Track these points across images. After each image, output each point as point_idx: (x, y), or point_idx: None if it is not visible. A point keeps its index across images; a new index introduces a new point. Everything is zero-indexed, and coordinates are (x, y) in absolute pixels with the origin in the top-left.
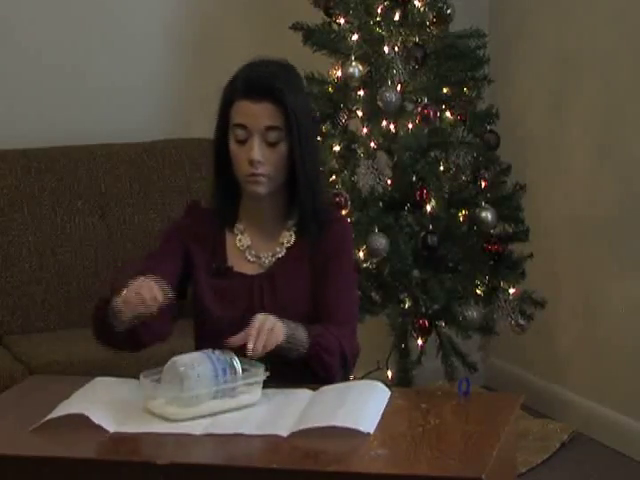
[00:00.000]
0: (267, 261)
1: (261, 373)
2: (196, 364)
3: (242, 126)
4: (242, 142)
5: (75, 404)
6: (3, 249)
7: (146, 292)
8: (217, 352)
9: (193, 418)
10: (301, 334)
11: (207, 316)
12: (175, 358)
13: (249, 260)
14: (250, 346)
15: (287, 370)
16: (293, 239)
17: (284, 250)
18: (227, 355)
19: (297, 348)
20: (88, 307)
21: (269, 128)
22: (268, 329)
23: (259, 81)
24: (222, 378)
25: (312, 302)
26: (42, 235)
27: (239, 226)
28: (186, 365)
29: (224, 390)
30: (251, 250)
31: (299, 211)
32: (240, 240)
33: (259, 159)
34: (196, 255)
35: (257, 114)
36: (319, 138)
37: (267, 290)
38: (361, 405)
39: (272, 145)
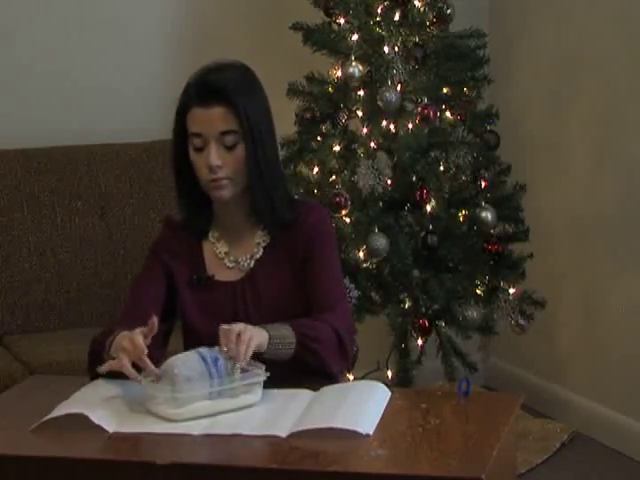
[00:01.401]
0: (246, 264)
1: (262, 373)
2: (189, 366)
3: (198, 134)
4: (200, 149)
5: (75, 404)
6: (3, 249)
7: (130, 351)
8: (214, 351)
9: (193, 418)
10: (285, 333)
11: (193, 331)
12: (170, 360)
13: (228, 266)
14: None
15: (280, 370)
16: (269, 238)
17: (261, 250)
18: (223, 355)
19: (285, 348)
20: (88, 307)
21: (224, 132)
22: (238, 335)
23: (209, 87)
24: (216, 380)
25: (296, 298)
26: (42, 235)
27: (213, 233)
28: (179, 367)
29: (219, 392)
30: (229, 256)
31: (258, 212)
32: (217, 247)
33: (217, 164)
34: (177, 271)
35: (210, 120)
36: (319, 138)
37: (250, 293)
38: (361, 406)
39: (230, 148)
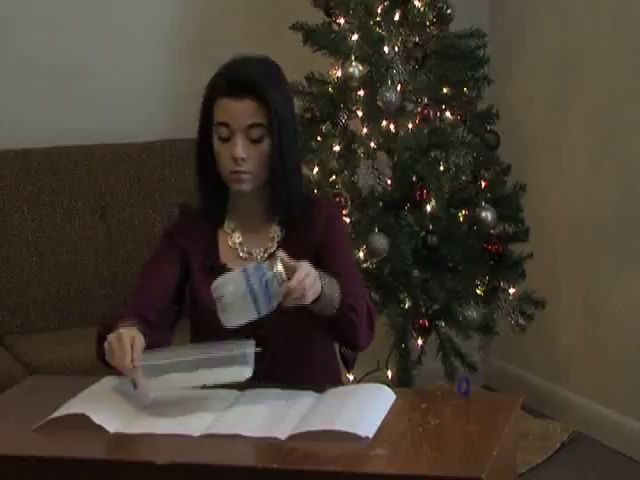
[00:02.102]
0: (259, 257)
1: (252, 346)
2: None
3: (225, 124)
4: (225, 140)
5: (78, 404)
6: (3, 249)
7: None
8: (261, 271)
9: (167, 389)
10: (333, 294)
11: (204, 312)
12: (218, 283)
13: (242, 257)
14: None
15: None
16: (283, 233)
17: (275, 245)
18: (272, 268)
19: (328, 307)
20: (88, 307)
21: (252, 126)
22: (309, 284)
23: (241, 78)
24: (260, 295)
25: None
26: (42, 235)
27: (229, 224)
28: (224, 294)
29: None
30: (243, 247)
31: (276, 207)
32: (231, 238)
33: (242, 156)
34: (192, 255)
35: (239, 112)
36: (319, 138)
37: None
38: (362, 409)
39: (255, 142)
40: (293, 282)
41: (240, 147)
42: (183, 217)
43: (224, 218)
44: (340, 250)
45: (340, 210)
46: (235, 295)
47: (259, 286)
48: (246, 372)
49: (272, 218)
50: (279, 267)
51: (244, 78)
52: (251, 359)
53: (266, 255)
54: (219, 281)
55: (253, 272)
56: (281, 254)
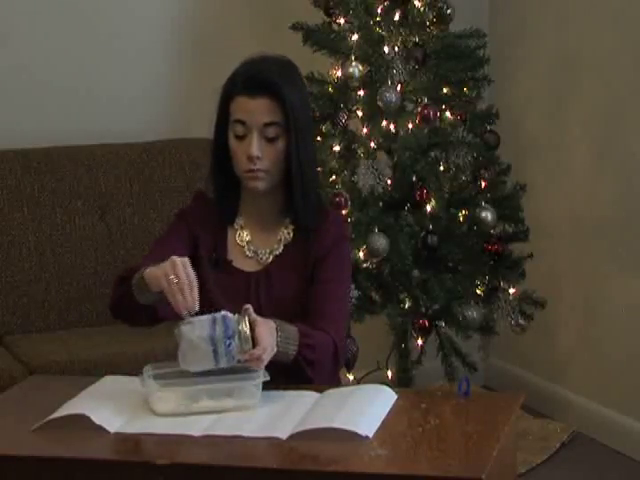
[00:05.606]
0: (264, 257)
1: (260, 375)
2: (199, 335)
3: (241, 122)
4: (241, 138)
5: (78, 404)
6: (3, 249)
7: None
8: (232, 327)
9: (173, 415)
10: (288, 348)
11: (208, 303)
12: (184, 325)
13: (248, 256)
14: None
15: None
16: (291, 236)
17: (282, 247)
18: (238, 324)
19: (283, 358)
20: (88, 307)
21: (268, 124)
22: (268, 357)
23: (258, 77)
24: (222, 357)
25: (304, 298)
26: (42, 235)
27: (239, 221)
28: (189, 333)
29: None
30: (250, 246)
31: (293, 208)
32: (240, 235)
33: (258, 154)
34: (201, 242)
35: (256, 110)
36: (319, 138)
37: (264, 287)
38: (363, 409)
39: (271, 141)
40: (254, 356)
41: (255, 145)
42: (198, 202)
43: (235, 215)
44: (334, 276)
45: (347, 227)
46: (196, 343)
47: (221, 342)
48: (255, 399)
49: (283, 220)
50: (245, 327)
51: (261, 76)
52: (258, 390)
53: (271, 257)
54: (184, 327)
55: (220, 325)
56: (249, 310)
